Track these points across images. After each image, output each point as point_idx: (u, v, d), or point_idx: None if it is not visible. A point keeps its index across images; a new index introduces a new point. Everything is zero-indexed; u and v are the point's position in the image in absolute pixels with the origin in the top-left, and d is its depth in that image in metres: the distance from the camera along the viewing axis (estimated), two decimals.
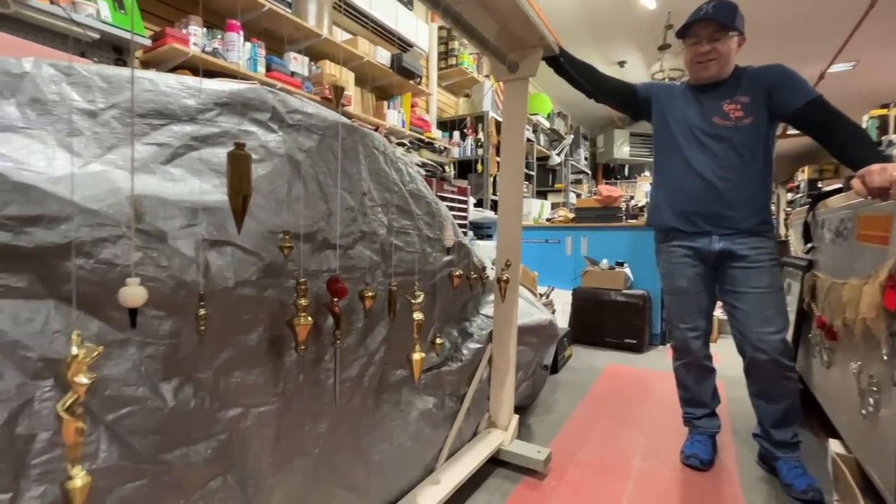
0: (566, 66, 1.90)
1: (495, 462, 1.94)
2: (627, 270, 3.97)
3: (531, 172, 6.71)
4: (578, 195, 8.02)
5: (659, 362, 3.53)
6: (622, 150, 9.44)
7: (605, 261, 4.01)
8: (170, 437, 0.86)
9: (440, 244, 1.70)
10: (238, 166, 0.79)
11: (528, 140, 6.61)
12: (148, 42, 2.77)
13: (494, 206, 5.15)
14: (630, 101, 2.04)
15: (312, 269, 1.13)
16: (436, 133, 4.98)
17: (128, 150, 1.00)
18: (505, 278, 1.84)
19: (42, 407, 0.71)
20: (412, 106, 4.65)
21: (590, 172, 9.42)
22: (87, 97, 0.98)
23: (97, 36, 2.51)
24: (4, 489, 0.66)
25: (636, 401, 2.72)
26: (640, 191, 5.63)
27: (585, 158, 9.08)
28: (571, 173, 8.06)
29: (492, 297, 2.23)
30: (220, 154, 1.09)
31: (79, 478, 0.62)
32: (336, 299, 1.07)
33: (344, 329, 1.20)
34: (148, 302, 0.82)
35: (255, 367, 1.01)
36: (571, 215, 4.61)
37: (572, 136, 8.30)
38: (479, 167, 5.09)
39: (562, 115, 8.68)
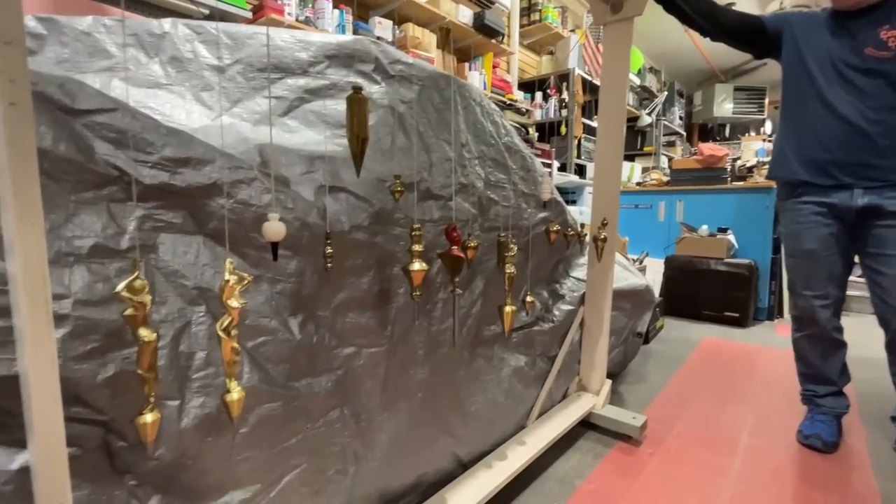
0: (679, 1, 1.69)
1: (586, 425, 1.91)
2: (731, 237, 3.61)
3: None
4: (670, 159, 7.38)
5: (766, 338, 3.21)
6: (723, 107, 8.46)
7: (704, 227, 3.68)
8: (297, 368, 0.94)
9: (535, 199, 1.64)
10: (357, 109, 0.80)
11: None
12: (249, 14, 2.93)
13: (579, 171, 4.91)
14: (755, 37, 1.78)
15: (416, 218, 1.15)
16: (517, 95, 4.80)
17: (251, 103, 1.06)
18: (602, 237, 1.75)
19: (198, 329, 0.80)
20: (493, 66, 4.50)
21: (684, 133, 8.60)
22: (216, 54, 1.05)
23: (206, 11, 2.70)
24: (173, 397, 0.76)
25: (741, 377, 2.52)
26: (749, 150, 5.03)
27: (680, 118, 8.28)
28: (664, 135, 7.41)
29: (583, 260, 2.15)
30: (328, 106, 1.12)
31: (235, 391, 0.69)
32: (455, 246, 1.07)
33: (456, 278, 1.21)
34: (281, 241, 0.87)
35: (366, 310, 1.06)
36: (666, 178, 4.26)
37: (666, 93, 7.58)
38: (563, 129, 4.85)
39: (654, 71, 7.94)
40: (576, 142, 4.87)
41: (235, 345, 0.68)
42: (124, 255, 0.72)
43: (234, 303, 0.67)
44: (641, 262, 3.50)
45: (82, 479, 0.70)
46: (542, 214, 1.67)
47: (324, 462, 0.99)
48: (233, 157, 0.84)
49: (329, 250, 0.85)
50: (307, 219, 0.92)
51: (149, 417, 0.61)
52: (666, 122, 7.50)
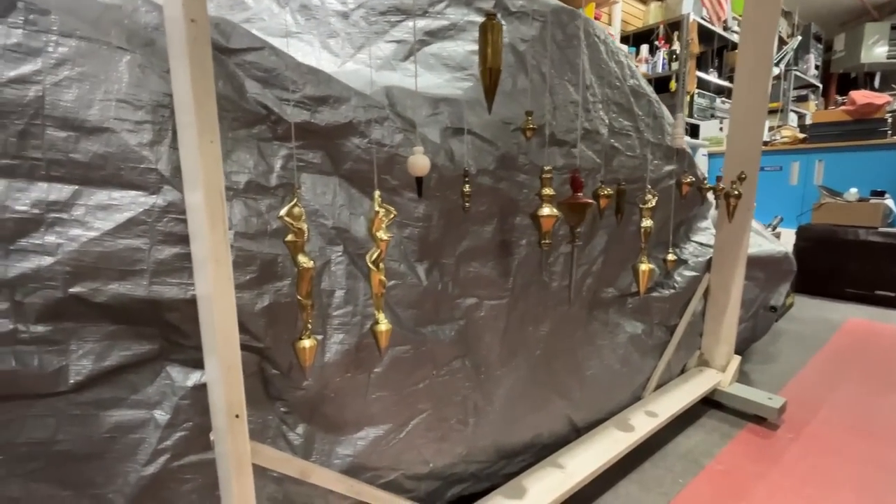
0: None
1: (707, 403, 1.74)
2: (890, 202, 3.03)
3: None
4: (801, 115, 6.38)
5: None
6: (873, 51, 7.04)
7: (853, 190, 3.12)
8: (424, 314, 0.93)
9: (662, 150, 1.48)
10: (491, 38, 0.74)
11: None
12: None
13: (692, 131, 4.42)
14: None
15: (538, 163, 1.07)
16: (621, 48, 4.40)
17: (373, 48, 1.04)
18: (736, 193, 1.53)
19: (337, 268, 0.81)
20: (595, 18, 4.15)
21: (819, 86, 7.35)
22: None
23: None
24: (316, 332, 0.78)
25: None
26: None
27: (816, 67, 7.07)
28: (794, 88, 6.39)
29: (704, 224, 1.92)
30: (448, 48, 1.07)
31: (383, 323, 0.69)
32: (578, 193, 0.99)
33: (577, 228, 1.13)
34: (406, 184, 0.85)
35: (489, 261, 1.02)
36: (801, 135, 3.67)
37: (799, 38, 6.48)
38: (673, 85, 4.37)
39: (784, 13, 6.81)
40: (688, 98, 4.37)
41: (383, 277, 0.68)
42: (273, 192, 0.75)
43: (382, 235, 0.66)
44: (775, 227, 3.08)
45: None
46: (669, 167, 1.50)
47: (447, 410, 0.99)
48: (367, 97, 0.83)
49: (467, 188, 0.81)
50: (435, 160, 0.89)
51: (306, 343, 0.63)
52: (798, 73, 6.44)
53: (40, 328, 0.63)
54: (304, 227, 0.60)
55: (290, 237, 0.60)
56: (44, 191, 0.60)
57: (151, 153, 0.64)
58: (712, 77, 4.93)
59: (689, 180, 1.35)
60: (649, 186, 1.33)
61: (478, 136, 0.96)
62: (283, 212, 0.59)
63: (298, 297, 0.62)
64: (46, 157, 0.60)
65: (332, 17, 1.03)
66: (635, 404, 1.54)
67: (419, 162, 0.68)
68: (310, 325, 0.64)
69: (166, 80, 0.65)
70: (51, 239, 0.61)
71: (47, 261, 0.61)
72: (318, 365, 0.78)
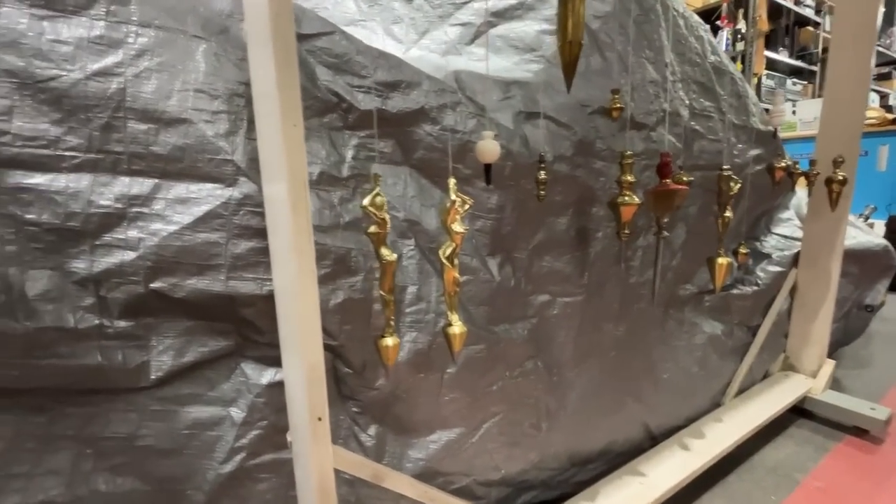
0: None
1: (795, 411, 1.58)
2: None
3: (812, 67, 5.06)
4: (883, 95, 5.78)
5: None
6: None
7: None
8: (496, 311, 0.87)
9: (746, 132, 1.34)
10: (572, 7, 0.66)
11: (812, 23, 4.94)
12: None
13: None
14: None
15: (616, 148, 0.98)
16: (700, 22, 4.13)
17: (438, 33, 0.99)
18: (840, 177, 1.36)
19: (408, 263, 0.77)
20: None
21: None
22: None
23: None
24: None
25: None
26: None
27: None
28: (875, 66, 5.79)
29: (787, 214, 1.74)
30: (516, 29, 1.00)
31: (457, 325, 0.64)
32: (666, 180, 0.90)
33: (664, 219, 1.03)
34: (479, 173, 0.80)
35: (563, 254, 0.95)
36: (891, 115, 3.31)
37: (882, 9, 5.87)
38: (739, 66, 4.05)
39: None
40: (755, 80, 4.04)
41: (457, 275, 0.63)
42: (345, 183, 0.71)
43: (457, 227, 0.61)
44: (867, 217, 2.79)
45: None
46: (755, 151, 1.36)
47: (519, 414, 0.93)
48: (438, 81, 0.78)
49: (542, 175, 0.74)
50: (509, 147, 0.83)
51: (389, 341, 0.59)
52: (880, 48, 5.84)
53: (123, 323, 0.63)
54: (387, 217, 0.56)
55: (372, 228, 0.57)
56: (126, 185, 0.60)
57: (227, 144, 0.62)
58: (783, 56, 4.55)
59: (782, 165, 1.22)
60: (732, 173, 1.20)
61: (553, 120, 0.89)
62: (366, 201, 0.55)
63: (381, 293, 0.59)
64: (128, 150, 0.59)
65: (396, 2, 0.99)
66: (715, 411, 1.41)
67: (488, 147, 0.63)
68: (392, 322, 0.60)
69: (241, 69, 0.63)
70: (133, 234, 0.61)
71: (130, 256, 0.61)
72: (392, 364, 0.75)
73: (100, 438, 0.63)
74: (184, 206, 0.61)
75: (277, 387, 0.70)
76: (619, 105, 0.80)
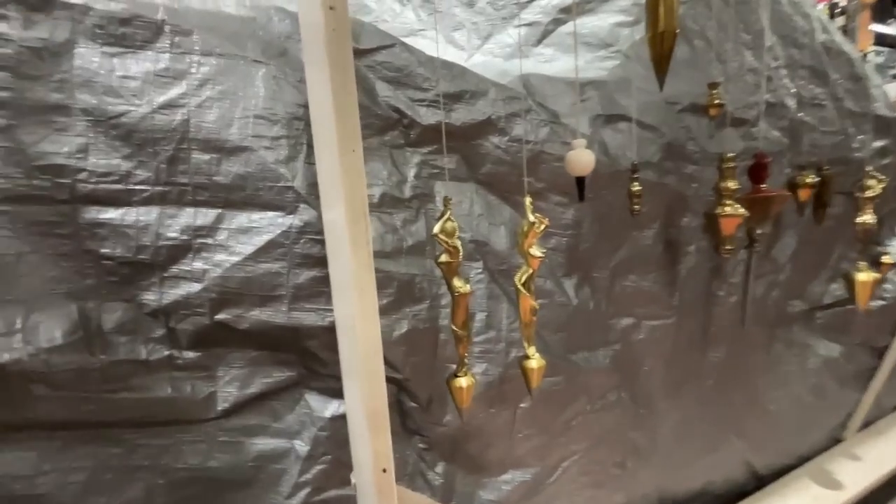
0: None
1: None
2: None
3: None
4: None
5: None
6: None
7: None
8: (574, 338, 0.79)
9: (868, 120, 1.14)
10: None
11: None
12: None
13: None
14: None
15: (711, 150, 0.86)
16: None
17: (502, 36, 0.93)
18: None
19: (476, 287, 0.71)
20: None
21: None
22: None
23: None
24: (455, 360, 0.69)
25: None
26: None
27: None
28: None
29: None
30: (588, 24, 0.91)
31: (535, 358, 0.57)
32: (762, 185, 0.77)
33: (758, 230, 0.89)
34: (553, 186, 0.72)
35: (649, 272, 0.84)
36: None
37: None
38: None
39: None
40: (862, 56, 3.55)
41: (535, 303, 0.55)
42: (407, 204, 0.67)
43: (536, 251, 0.54)
44: None
45: None
46: (880, 142, 1.15)
47: (603, 451, 0.83)
48: (505, 87, 0.71)
49: (637, 186, 0.65)
50: None
51: (464, 382, 0.53)
52: None
53: (191, 354, 0.62)
54: (459, 244, 0.51)
55: (443, 258, 0.51)
56: (191, 216, 0.59)
57: (287, 170, 0.59)
58: (892, 29, 3.97)
59: None
60: (834, 175, 1.01)
61: (637, 122, 0.79)
62: (436, 228, 0.50)
63: (453, 328, 0.53)
64: (193, 181, 0.58)
65: (457, 8, 0.94)
66: (835, 448, 1.21)
67: (582, 159, 0.55)
68: (466, 361, 0.54)
69: (300, 91, 0.60)
70: (198, 265, 0.60)
71: (195, 287, 0.60)
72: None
73: (172, 469, 0.63)
74: (246, 235, 0.60)
75: (341, 419, 0.67)
76: (718, 101, 0.68)
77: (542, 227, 0.55)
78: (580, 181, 0.56)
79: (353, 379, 0.46)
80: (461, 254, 0.52)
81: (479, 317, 0.70)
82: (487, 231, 0.72)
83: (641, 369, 0.87)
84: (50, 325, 0.55)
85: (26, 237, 0.56)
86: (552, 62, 0.90)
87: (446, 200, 0.51)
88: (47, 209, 0.56)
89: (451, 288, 0.51)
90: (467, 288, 0.52)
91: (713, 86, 0.68)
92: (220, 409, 0.64)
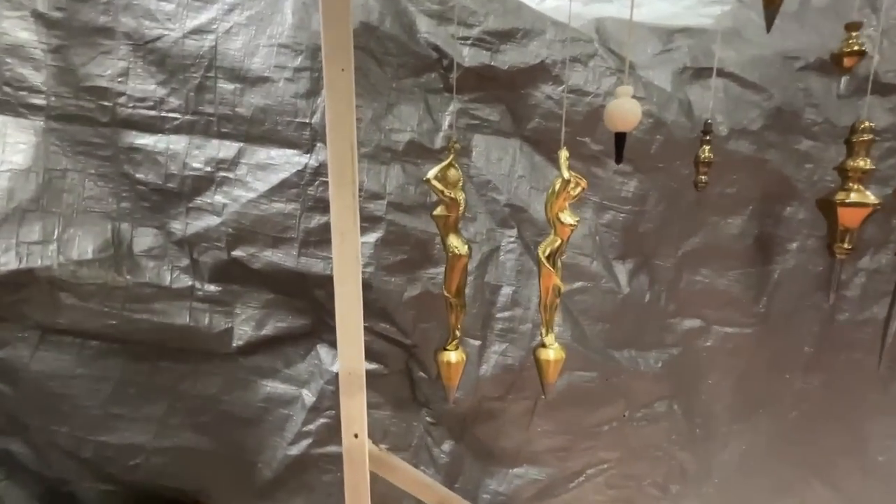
0: None
1: None
2: None
3: None
4: None
5: None
6: None
7: None
8: (620, 332, 0.67)
9: None
10: None
11: None
12: None
13: None
14: None
15: (842, 123, 0.67)
16: None
17: None
18: None
19: (507, 258, 0.63)
20: None
21: None
22: None
23: None
24: (475, 335, 0.62)
25: None
26: None
27: None
28: None
29: None
30: None
31: (553, 348, 0.48)
32: None
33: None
34: (612, 149, 0.60)
35: (730, 268, 0.69)
36: None
37: None
38: None
39: None
40: None
41: (559, 281, 0.46)
42: (438, 155, 0.60)
43: (567, 218, 0.44)
44: None
45: (386, 400, 0.66)
46: None
47: (639, 467, 0.72)
48: (567, 27, 0.60)
49: (707, 152, 0.51)
50: (661, 115, 0.61)
51: (452, 356, 0.47)
52: None
53: (212, 288, 0.63)
54: (461, 197, 0.43)
55: (439, 210, 0.44)
56: (215, 148, 0.58)
57: (307, 105, 0.56)
58: None
59: None
60: None
61: (736, 78, 0.63)
62: (431, 173, 0.43)
63: (445, 294, 0.46)
64: (218, 112, 0.57)
65: None
66: None
67: (623, 109, 0.43)
68: (458, 333, 0.47)
69: None
70: (219, 199, 0.59)
71: (215, 221, 0.59)
72: (472, 377, 0.62)
73: (189, 395, 0.65)
74: (263, 172, 0.58)
75: None
76: (857, 47, 0.50)
77: (579, 189, 0.45)
78: (619, 139, 0.45)
79: (338, 330, 0.42)
80: (462, 208, 0.44)
81: (505, 291, 0.63)
82: (528, 196, 0.63)
83: (704, 382, 0.74)
84: (84, 241, 0.58)
85: (72, 155, 0.59)
86: (640, 7, 0.75)
87: (451, 142, 0.43)
88: (91, 130, 0.58)
89: (445, 246, 0.44)
90: (465, 249, 0.44)
91: (853, 26, 0.50)
92: (235, 345, 0.65)
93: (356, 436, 0.43)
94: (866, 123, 0.55)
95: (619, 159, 0.46)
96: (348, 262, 0.39)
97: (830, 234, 0.58)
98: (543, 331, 0.47)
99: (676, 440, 0.73)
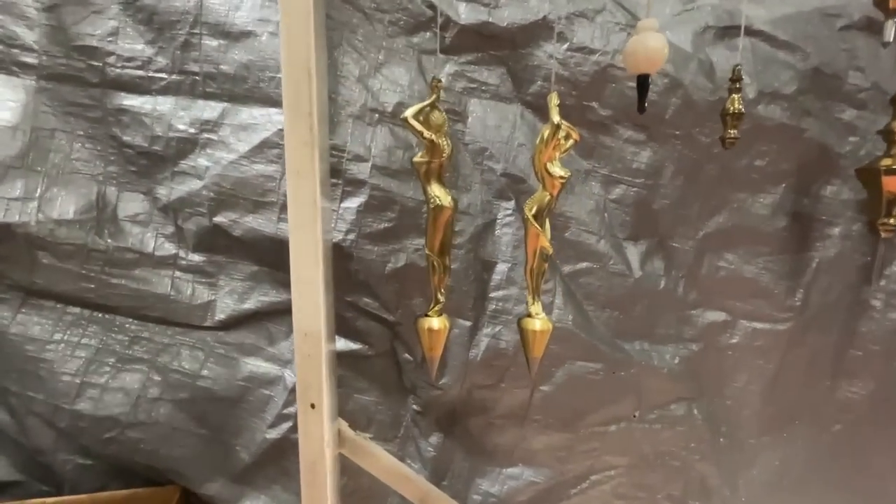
0: None
1: None
2: None
3: None
4: None
5: None
6: None
7: None
8: (631, 320, 0.61)
9: None
10: None
11: None
12: None
13: None
14: None
15: (888, 87, 0.58)
16: None
17: None
18: None
19: (503, 233, 0.57)
20: None
21: None
22: None
23: None
24: (465, 315, 0.57)
25: None
26: None
27: None
28: None
29: None
30: None
31: (539, 319, 0.42)
32: None
33: None
34: (624, 115, 0.55)
35: (760, 254, 0.61)
36: None
37: None
38: None
39: None
40: None
41: (547, 244, 0.41)
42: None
43: (556, 169, 0.39)
44: None
45: (372, 383, 0.61)
46: None
47: (651, 476, 0.64)
48: None
49: (737, 104, 0.44)
50: (679, 76, 0.55)
51: (435, 323, 0.42)
52: None
53: (196, 257, 0.61)
54: (445, 143, 0.39)
55: (419, 156, 0.40)
56: (200, 108, 0.56)
57: None
58: None
59: None
60: None
61: (767, 37, 0.56)
62: (409, 112, 0.39)
63: (427, 252, 0.42)
64: (203, 70, 0.55)
65: None
66: None
67: (647, 46, 0.38)
68: (441, 297, 0.43)
69: None
70: (202, 161, 0.57)
71: (198, 185, 0.57)
72: (461, 361, 0.57)
73: (168, 369, 0.63)
74: (245, 132, 0.55)
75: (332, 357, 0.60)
76: None
77: (570, 141, 0.40)
78: (642, 82, 0.40)
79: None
80: (446, 154, 0.40)
81: (500, 268, 0.57)
82: (527, 166, 0.58)
83: (730, 384, 0.65)
84: (67, 201, 0.57)
85: (62, 116, 0.58)
86: None
87: (434, 80, 0.39)
88: (81, 91, 0.58)
89: (427, 196, 0.40)
90: (448, 200, 0.39)
91: None
92: (217, 318, 0.62)
93: (313, 406, 0.39)
94: None
95: (641, 107, 0.41)
96: (305, 205, 0.35)
97: (874, 208, 0.50)
98: (529, 299, 0.42)
99: (696, 449, 0.65)
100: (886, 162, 0.47)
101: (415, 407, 0.61)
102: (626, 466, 0.63)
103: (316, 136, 0.34)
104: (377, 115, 0.55)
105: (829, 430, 0.68)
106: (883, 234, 0.49)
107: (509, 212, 0.57)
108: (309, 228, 0.35)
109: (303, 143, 0.34)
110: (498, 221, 0.58)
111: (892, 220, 0.48)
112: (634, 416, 0.61)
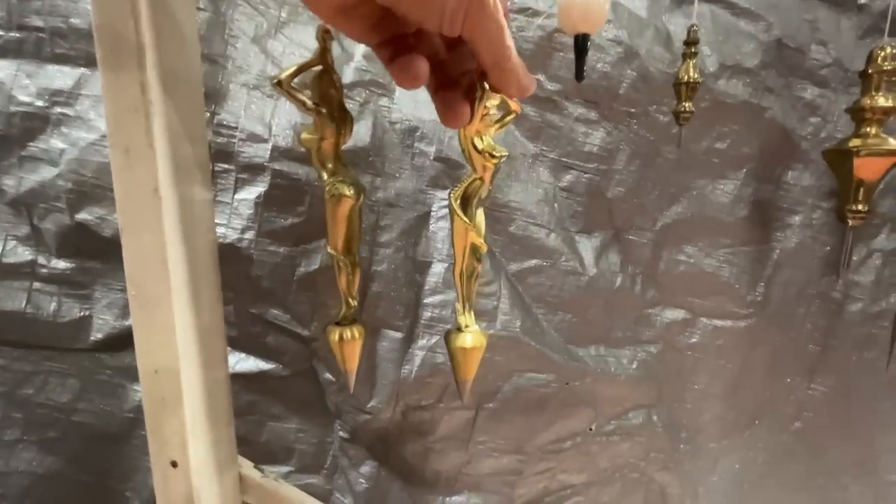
0: None
1: None
2: None
3: None
4: None
5: None
6: None
7: None
8: (585, 323, 0.54)
9: None
10: None
11: None
12: None
13: None
14: None
15: (856, 67, 0.54)
16: None
17: None
18: None
19: (438, 228, 0.49)
20: None
21: None
22: None
23: None
24: (395, 326, 0.48)
25: None
26: None
27: None
28: None
29: None
30: None
31: (471, 333, 0.34)
32: None
33: None
34: (573, 90, 0.47)
35: (721, 246, 0.56)
36: None
37: None
38: None
39: None
40: None
41: (479, 240, 0.33)
42: (347, 92, 0.47)
43: (484, 145, 0.31)
44: None
45: (289, 407, 0.51)
46: None
47: (611, 492, 0.58)
48: None
49: (692, 73, 0.38)
50: (634, 44, 0.48)
51: (347, 332, 0.33)
52: None
53: (62, 264, 0.49)
54: (337, 97, 0.30)
55: (307, 132, 0.31)
56: (49, 76, 0.44)
57: None
58: None
59: None
60: None
61: (727, 3, 0.50)
62: (284, 73, 0.29)
63: (331, 251, 0.33)
64: (49, 25, 0.43)
65: None
66: None
67: (584, 1, 0.31)
68: (353, 301, 0.34)
69: None
70: (55, 142, 0.45)
71: (52, 172, 0.45)
72: (392, 379, 0.48)
73: (33, 402, 0.50)
74: None
75: (238, 380, 0.50)
76: None
77: (511, 115, 0.31)
78: (580, 44, 0.32)
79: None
80: (350, 128, 0.31)
81: (436, 269, 0.49)
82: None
83: (690, 387, 0.60)
84: None
85: None
86: None
87: (322, 32, 0.30)
88: None
89: (322, 180, 0.31)
90: (349, 190, 0.30)
91: None
92: (93, 339, 0.50)
93: (174, 464, 0.29)
94: (888, 49, 0.42)
95: (579, 74, 0.33)
96: (138, 196, 0.25)
97: (842, 193, 0.46)
98: (459, 307, 0.34)
99: (656, 459, 0.60)
100: (856, 143, 0.42)
101: (342, 433, 0.52)
102: (582, 484, 0.57)
103: (153, 101, 0.24)
104: (278, 81, 0.45)
105: (789, 429, 0.65)
106: (851, 223, 0.44)
107: (445, 203, 0.49)
108: (147, 228, 0.26)
109: (130, 108, 0.25)
110: (432, 214, 0.49)
111: (860, 206, 0.43)
112: (590, 430, 0.55)
